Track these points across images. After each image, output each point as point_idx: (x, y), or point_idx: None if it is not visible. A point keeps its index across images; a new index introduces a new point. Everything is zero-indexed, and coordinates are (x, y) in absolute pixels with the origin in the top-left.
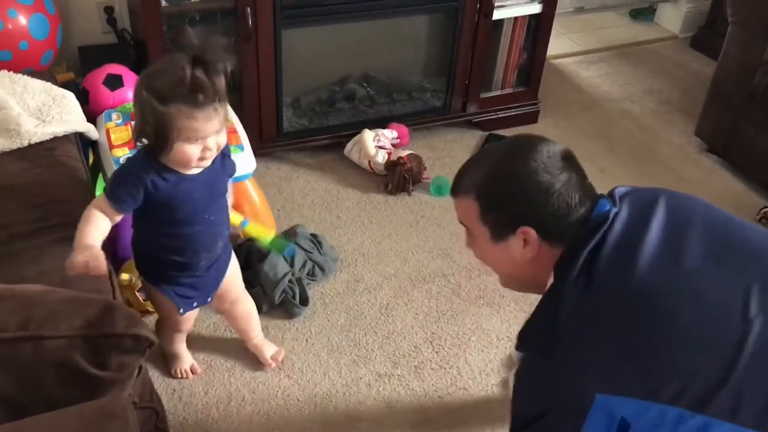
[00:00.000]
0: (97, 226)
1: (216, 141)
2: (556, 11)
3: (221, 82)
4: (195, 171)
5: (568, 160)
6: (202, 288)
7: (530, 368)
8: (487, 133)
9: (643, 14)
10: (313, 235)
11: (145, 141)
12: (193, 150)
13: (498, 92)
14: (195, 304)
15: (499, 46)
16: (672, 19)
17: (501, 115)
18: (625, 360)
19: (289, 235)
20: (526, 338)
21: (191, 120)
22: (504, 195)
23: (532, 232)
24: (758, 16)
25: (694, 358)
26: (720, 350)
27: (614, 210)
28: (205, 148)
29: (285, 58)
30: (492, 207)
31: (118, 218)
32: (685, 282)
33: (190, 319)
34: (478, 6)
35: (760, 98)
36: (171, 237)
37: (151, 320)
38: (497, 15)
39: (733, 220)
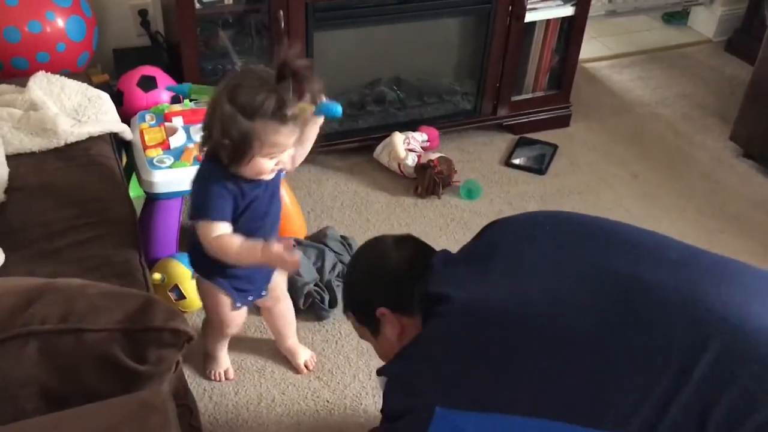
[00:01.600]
0: (239, 241)
1: (289, 154)
2: (589, 15)
3: (305, 97)
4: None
5: (401, 242)
6: (257, 281)
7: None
8: (518, 137)
9: (676, 18)
10: (343, 237)
11: (214, 153)
12: (269, 164)
13: (529, 95)
14: (250, 297)
15: (530, 49)
16: (706, 22)
17: (532, 118)
18: (462, 377)
19: (320, 237)
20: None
21: (277, 135)
22: (356, 294)
23: (385, 311)
24: None
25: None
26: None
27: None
28: (279, 162)
29: (316, 61)
30: (356, 310)
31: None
32: (526, 310)
33: (238, 321)
34: (510, 9)
35: None
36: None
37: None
38: (529, 17)
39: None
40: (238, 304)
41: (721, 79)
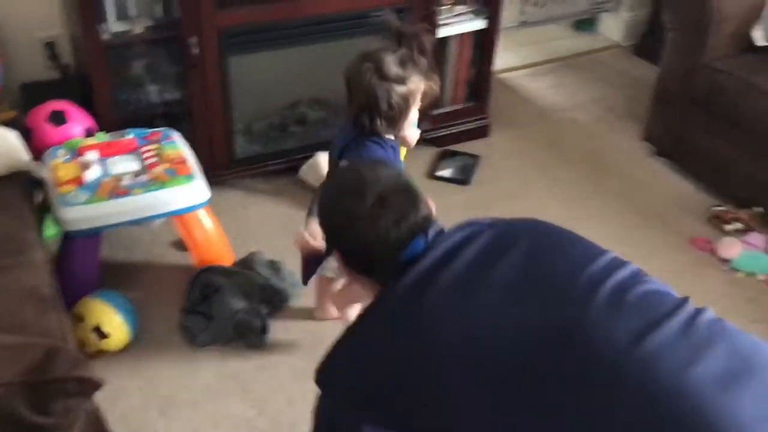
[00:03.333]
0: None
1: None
2: (502, 26)
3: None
4: None
5: (395, 194)
6: None
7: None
8: (441, 149)
9: (586, 25)
10: (272, 262)
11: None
12: (415, 117)
13: (449, 108)
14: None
15: (446, 63)
16: (614, 28)
17: (453, 130)
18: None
19: (247, 263)
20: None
21: (419, 84)
22: (321, 219)
23: (339, 255)
24: (693, 22)
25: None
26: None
27: (421, 252)
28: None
29: (234, 85)
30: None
31: None
32: (466, 321)
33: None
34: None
35: (701, 101)
36: None
37: (103, 361)
38: (442, 33)
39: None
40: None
41: (631, 81)
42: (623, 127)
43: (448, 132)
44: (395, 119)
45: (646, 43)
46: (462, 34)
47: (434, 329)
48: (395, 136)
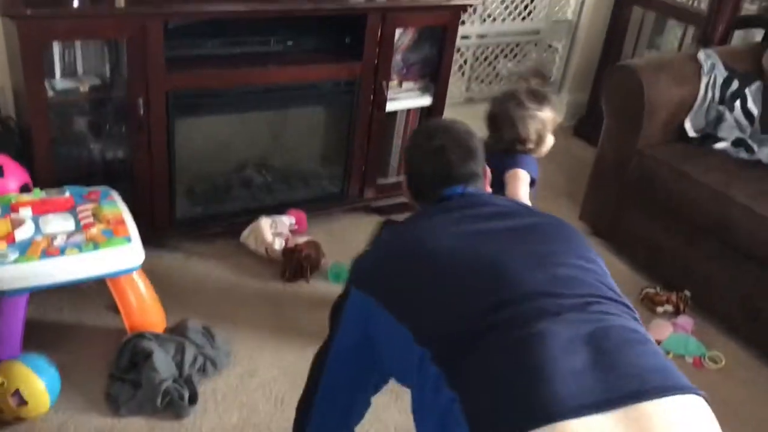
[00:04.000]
0: None
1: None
2: (450, 102)
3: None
4: None
5: (456, 146)
6: None
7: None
8: (384, 218)
9: None
10: (206, 328)
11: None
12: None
13: (395, 179)
14: None
15: (393, 135)
16: (558, 109)
17: (398, 200)
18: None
19: (180, 329)
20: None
21: (552, 112)
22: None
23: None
24: (628, 111)
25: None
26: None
27: (456, 195)
28: None
29: (179, 147)
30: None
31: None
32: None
33: None
34: (371, 99)
35: (635, 186)
36: None
37: (20, 427)
38: (390, 107)
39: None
40: None
41: (570, 160)
42: (561, 204)
43: (393, 202)
44: (539, 141)
45: (585, 124)
46: (409, 109)
47: (423, 239)
48: (536, 154)
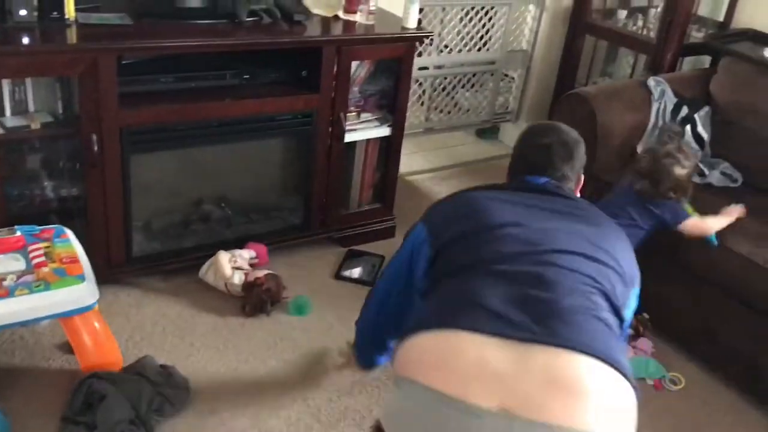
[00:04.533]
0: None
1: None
2: (409, 132)
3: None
4: None
5: (560, 147)
6: None
7: None
8: (347, 250)
9: (487, 133)
10: (163, 367)
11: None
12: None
13: (355, 209)
14: None
15: (353, 166)
16: (513, 137)
17: (360, 231)
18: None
19: (137, 368)
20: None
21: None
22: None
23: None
24: (582, 137)
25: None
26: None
27: (534, 184)
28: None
29: (135, 182)
30: None
31: None
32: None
33: None
34: (330, 130)
35: None
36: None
37: None
38: (349, 138)
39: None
40: None
41: None
42: None
43: (355, 233)
44: (688, 190)
45: None
46: (368, 140)
47: (483, 201)
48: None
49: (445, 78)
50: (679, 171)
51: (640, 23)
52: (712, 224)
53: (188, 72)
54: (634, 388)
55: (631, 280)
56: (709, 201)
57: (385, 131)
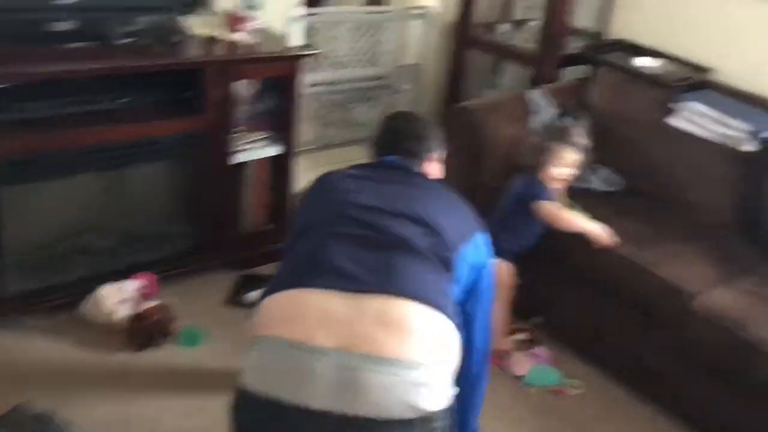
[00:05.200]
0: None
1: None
2: (304, 148)
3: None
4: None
5: (407, 129)
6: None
7: None
8: (240, 274)
9: None
10: (39, 416)
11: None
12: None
13: (248, 232)
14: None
15: (245, 187)
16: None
17: (253, 254)
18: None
19: (9, 419)
20: None
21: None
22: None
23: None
24: (470, 149)
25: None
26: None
27: (384, 161)
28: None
29: (7, 217)
30: None
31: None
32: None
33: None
34: (216, 151)
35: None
36: (531, 234)
37: None
38: (239, 158)
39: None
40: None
41: None
42: None
43: (248, 256)
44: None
45: None
46: (259, 159)
47: (331, 178)
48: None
49: (342, 93)
50: (563, 147)
51: (521, 36)
52: (569, 221)
53: (62, 98)
54: (457, 326)
55: (463, 236)
56: (591, 206)
57: (276, 150)
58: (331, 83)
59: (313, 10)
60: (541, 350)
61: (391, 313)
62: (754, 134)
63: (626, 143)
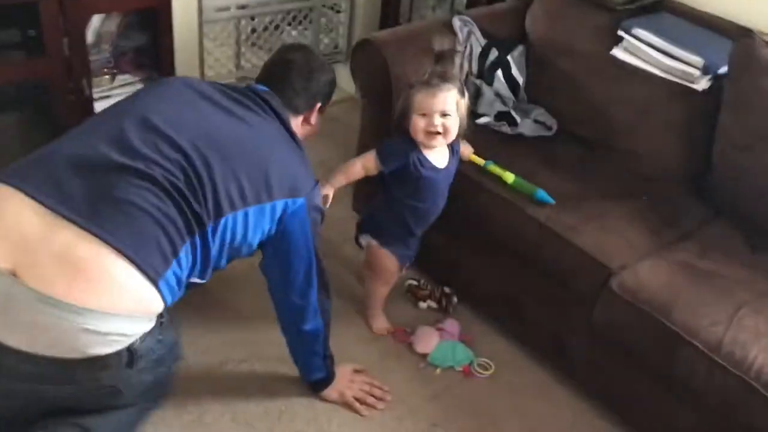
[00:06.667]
0: (348, 174)
1: (442, 121)
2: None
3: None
4: (440, 160)
5: (299, 65)
6: (413, 249)
7: None
8: None
9: None
10: None
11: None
12: (420, 122)
13: None
14: (407, 263)
15: None
16: (347, 80)
17: None
18: None
19: None
20: None
21: (423, 97)
22: None
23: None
24: (377, 88)
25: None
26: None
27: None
28: (429, 124)
29: None
30: None
31: (375, 173)
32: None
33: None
34: (72, 100)
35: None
36: (412, 209)
37: None
38: (101, 106)
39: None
40: (403, 264)
41: (352, 135)
42: (340, 195)
43: None
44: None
45: None
46: None
47: (165, 84)
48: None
49: (265, 16)
50: (419, 92)
51: None
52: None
53: None
54: (160, 291)
55: (257, 196)
56: (515, 155)
57: None
58: (242, 7)
59: None
60: (452, 324)
61: (77, 251)
62: (708, 69)
63: (563, 78)
